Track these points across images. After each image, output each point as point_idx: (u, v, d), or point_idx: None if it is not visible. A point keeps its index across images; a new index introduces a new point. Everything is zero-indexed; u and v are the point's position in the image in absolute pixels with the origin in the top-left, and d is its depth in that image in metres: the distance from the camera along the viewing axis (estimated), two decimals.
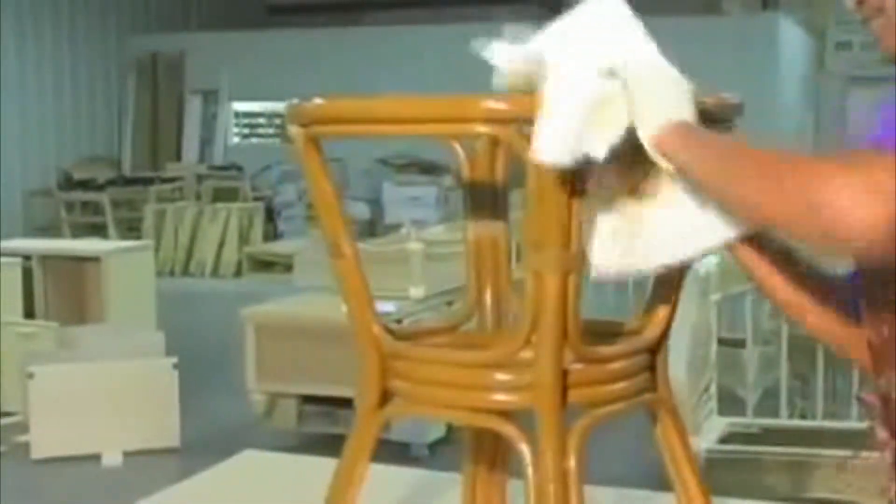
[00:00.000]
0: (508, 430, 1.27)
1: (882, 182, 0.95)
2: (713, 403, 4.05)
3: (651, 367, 1.39)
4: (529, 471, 1.23)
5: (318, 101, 1.33)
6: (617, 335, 1.41)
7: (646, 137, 1.19)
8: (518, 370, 1.27)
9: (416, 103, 1.25)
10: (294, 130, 1.35)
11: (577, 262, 1.23)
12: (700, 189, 1.19)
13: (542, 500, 1.22)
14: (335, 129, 1.34)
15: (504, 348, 1.27)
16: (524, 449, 1.25)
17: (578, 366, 1.27)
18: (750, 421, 4.10)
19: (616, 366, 1.34)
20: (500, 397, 1.28)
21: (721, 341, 4.20)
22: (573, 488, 1.23)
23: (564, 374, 1.26)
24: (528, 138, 1.19)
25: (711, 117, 1.37)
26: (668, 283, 1.41)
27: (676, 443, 1.40)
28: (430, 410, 1.42)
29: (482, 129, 1.23)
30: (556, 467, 1.22)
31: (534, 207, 1.22)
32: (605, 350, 1.34)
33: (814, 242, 1.04)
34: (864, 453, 3.40)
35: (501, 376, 1.29)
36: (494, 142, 1.49)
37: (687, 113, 1.22)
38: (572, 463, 1.23)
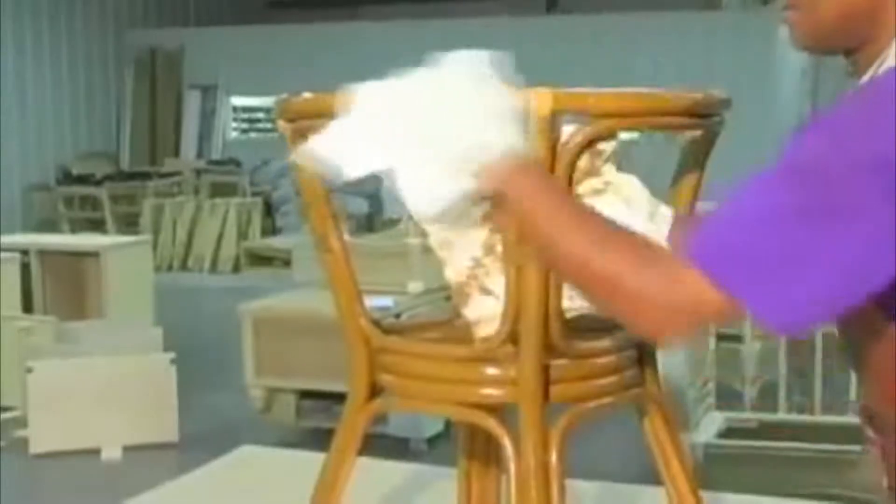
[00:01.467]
0: (490, 424, 1.28)
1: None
2: (711, 398, 4.05)
3: (639, 363, 1.39)
4: (511, 465, 1.24)
5: (305, 95, 1.33)
6: (605, 330, 1.41)
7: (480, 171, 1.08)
8: (501, 365, 1.27)
9: None
10: (282, 125, 1.35)
11: None
12: (527, 231, 1.11)
13: (524, 493, 1.22)
14: (322, 124, 1.34)
15: (485, 343, 1.28)
16: (506, 443, 1.25)
17: (561, 361, 1.28)
18: (748, 416, 4.10)
19: (601, 361, 1.34)
20: (484, 392, 1.29)
21: (719, 336, 4.19)
22: (554, 482, 1.23)
23: (546, 369, 1.26)
24: None
25: (700, 112, 1.37)
26: None
27: (665, 438, 1.40)
28: (417, 405, 1.42)
29: None
30: (538, 461, 1.22)
31: None
32: (589, 345, 1.34)
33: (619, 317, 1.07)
34: (862, 448, 3.40)
35: (483, 371, 1.29)
36: None
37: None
38: (553, 457, 1.23)
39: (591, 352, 1.34)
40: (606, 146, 1.28)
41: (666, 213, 1.29)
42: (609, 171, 1.30)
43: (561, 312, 1.25)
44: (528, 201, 1.06)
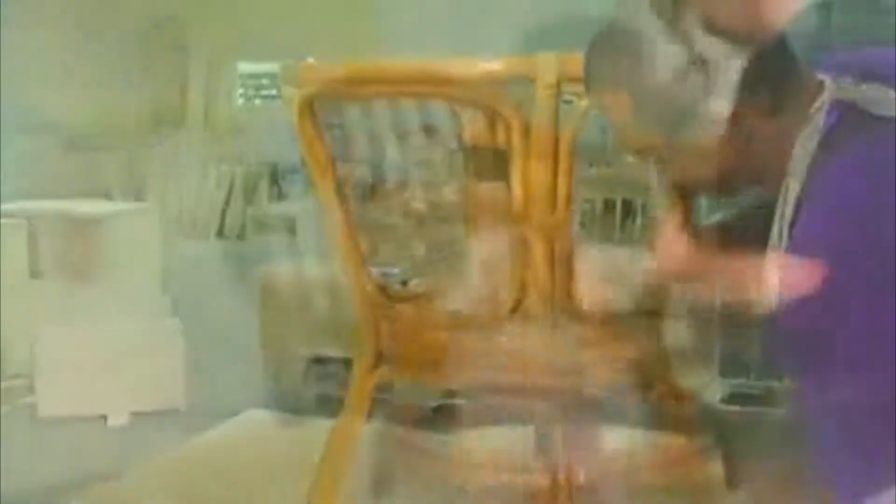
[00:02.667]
0: (497, 393, 1.28)
1: None
2: (715, 364, 4.05)
3: (646, 329, 1.39)
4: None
5: (310, 61, 1.33)
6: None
7: None
8: (507, 335, 1.27)
9: (408, 66, 1.24)
10: (287, 92, 1.35)
11: (563, 228, 1.23)
12: None
13: None
14: (328, 91, 1.33)
15: (493, 314, 1.28)
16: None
17: (567, 330, 1.27)
18: (753, 382, 4.11)
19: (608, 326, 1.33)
20: (490, 361, 1.29)
21: (724, 303, 4.20)
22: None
23: (552, 337, 1.26)
24: (516, 101, 1.18)
25: None
26: None
27: (671, 405, 1.41)
28: (422, 374, 1.42)
29: (471, 92, 1.21)
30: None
31: (519, 174, 1.21)
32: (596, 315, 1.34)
33: None
34: None
35: (490, 339, 1.28)
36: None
37: None
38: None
39: (598, 320, 1.34)
40: None
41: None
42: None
43: (567, 280, 1.25)
44: None
